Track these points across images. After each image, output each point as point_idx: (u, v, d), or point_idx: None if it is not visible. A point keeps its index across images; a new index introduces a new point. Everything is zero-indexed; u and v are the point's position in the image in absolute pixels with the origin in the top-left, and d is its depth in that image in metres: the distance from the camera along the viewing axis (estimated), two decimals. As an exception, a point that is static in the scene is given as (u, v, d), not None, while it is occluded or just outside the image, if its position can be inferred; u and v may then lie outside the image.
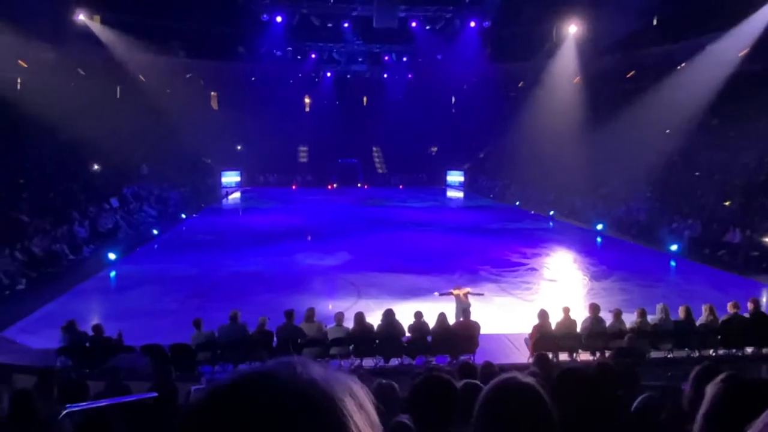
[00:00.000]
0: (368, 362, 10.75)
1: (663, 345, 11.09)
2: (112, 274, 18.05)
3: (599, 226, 24.57)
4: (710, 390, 1.83)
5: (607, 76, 34.54)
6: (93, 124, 25.70)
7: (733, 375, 1.95)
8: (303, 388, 0.74)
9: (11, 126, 25.06)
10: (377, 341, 10.79)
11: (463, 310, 11.87)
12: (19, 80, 29.79)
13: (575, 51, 34.60)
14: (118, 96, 36.84)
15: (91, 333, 10.60)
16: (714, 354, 10.97)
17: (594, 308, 11.22)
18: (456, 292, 12.45)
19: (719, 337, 11.04)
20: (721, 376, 1.97)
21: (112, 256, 18.90)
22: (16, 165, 23.54)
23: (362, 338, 10.74)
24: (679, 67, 29.99)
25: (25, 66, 29.49)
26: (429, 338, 10.86)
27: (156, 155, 31.88)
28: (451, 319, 11.49)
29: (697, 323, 11.12)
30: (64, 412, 4.63)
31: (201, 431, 0.72)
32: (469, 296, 12.50)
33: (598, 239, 23.79)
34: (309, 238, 23.92)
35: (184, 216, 27.92)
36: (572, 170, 27.79)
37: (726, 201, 23.01)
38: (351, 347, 10.77)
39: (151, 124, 31.40)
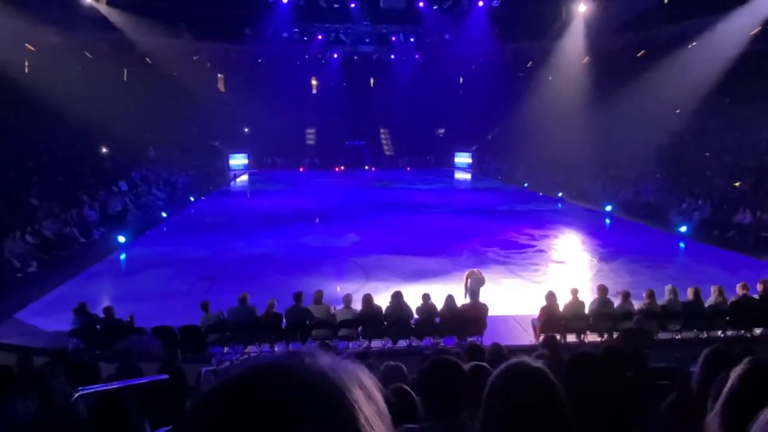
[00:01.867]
0: (376, 344, 10.81)
1: (671, 326, 11.09)
2: (122, 256, 18.18)
3: (608, 208, 24.45)
4: (736, 376, 1.80)
5: (616, 55, 34.18)
6: (101, 108, 25.74)
7: (755, 359, 1.92)
8: (311, 379, 0.73)
9: (20, 109, 25.12)
10: (385, 323, 10.85)
11: (476, 283, 12.01)
12: (26, 63, 29.80)
13: (584, 30, 34.22)
14: (125, 79, 36.83)
15: (102, 315, 10.71)
16: (723, 335, 10.97)
17: (602, 290, 11.22)
18: (468, 273, 12.47)
19: (728, 318, 11.02)
20: (746, 360, 1.92)
21: (121, 239, 19.01)
22: (24, 148, 23.63)
23: (370, 320, 10.79)
24: (689, 46, 29.62)
25: (33, 49, 29.49)
26: (437, 320, 10.90)
27: (164, 138, 31.93)
28: (463, 298, 11.55)
29: (706, 304, 11.09)
30: (77, 394, 4.69)
31: (209, 425, 0.72)
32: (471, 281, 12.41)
33: (607, 221, 23.69)
34: (317, 220, 23.95)
35: (192, 199, 27.99)
36: (581, 151, 27.63)
37: (736, 182, 22.83)
38: (359, 329, 10.84)
39: (159, 107, 31.40)
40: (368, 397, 0.77)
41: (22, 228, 16.77)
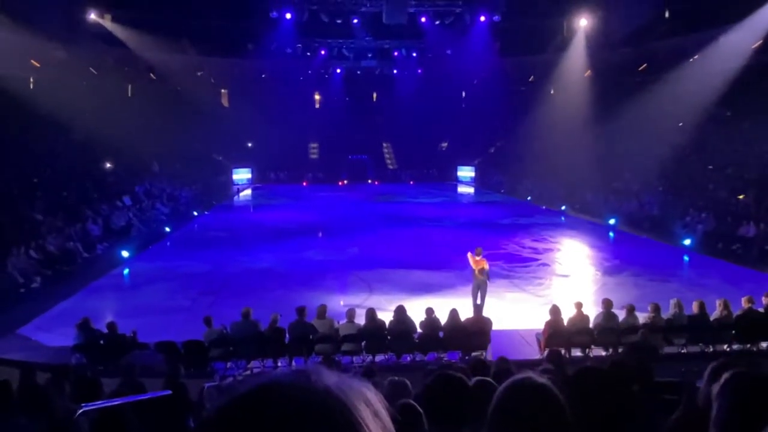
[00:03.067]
0: (380, 359, 10.75)
1: (677, 340, 11.02)
2: (126, 271, 18.18)
3: (611, 221, 24.42)
4: (717, 392, 1.80)
5: (618, 69, 34.31)
6: (105, 123, 25.88)
7: (739, 373, 1.92)
8: (317, 398, 0.73)
9: (24, 125, 25.25)
10: (389, 337, 10.80)
11: (478, 286, 12.40)
12: (31, 79, 30.01)
13: (586, 44, 34.38)
14: (129, 94, 37.04)
15: (105, 330, 10.68)
16: (728, 349, 10.90)
17: (607, 303, 11.16)
18: (473, 259, 12.86)
19: (733, 332, 10.95)
20: (726, 376, 1.93)
21: (125, 253, 19.04)
22: (29, 163, 23.73)
23: (374, 334, 10.74)
24: (691, 60, 29.73)
25: (38, 65, 29.71)
26: (441, 334, 10.85)
27: (167, 153, 32.04)
28: (468, 296, 11.92)
29: (711, 318, 11.02)
30: (80, 411, 4.67)
31: None
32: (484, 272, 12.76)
33: (611, 234, 23.64)
34: (320, 234, 23.95)
35: (195, 213, 28.03)
36: (584, 164, 27.64)
37: (740, 194, 22.79)
38: (363, 344, 10.78)
39: (163, 121, 31.55)
40: (374, 414, 0.76)
41: (26, 243, 16.79)
